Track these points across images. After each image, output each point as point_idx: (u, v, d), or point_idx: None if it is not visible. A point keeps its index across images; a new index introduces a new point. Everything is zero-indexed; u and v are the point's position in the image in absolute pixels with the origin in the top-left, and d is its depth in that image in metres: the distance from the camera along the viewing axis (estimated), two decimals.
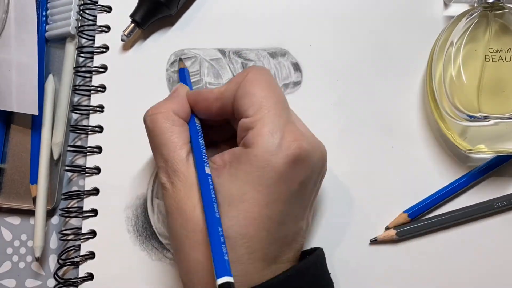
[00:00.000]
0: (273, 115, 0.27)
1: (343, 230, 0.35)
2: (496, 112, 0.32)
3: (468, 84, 0.33)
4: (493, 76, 0.33)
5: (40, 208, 0.36)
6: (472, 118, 0.33)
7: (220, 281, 0.22)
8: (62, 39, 0.39)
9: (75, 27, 0.38)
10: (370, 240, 0.35)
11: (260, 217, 0.25)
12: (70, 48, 0.38)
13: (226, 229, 0.25)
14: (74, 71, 0.38)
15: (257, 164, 0.25)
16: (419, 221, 0.35)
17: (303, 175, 0.27)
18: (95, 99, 0.38)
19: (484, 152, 0.34)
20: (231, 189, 0.26)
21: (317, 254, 0.29)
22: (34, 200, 0.37)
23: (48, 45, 0.39)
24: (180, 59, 0.37)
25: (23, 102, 0.35)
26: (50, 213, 0.38)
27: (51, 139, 0.37)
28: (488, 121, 0.32)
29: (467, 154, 0.35)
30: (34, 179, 0.37)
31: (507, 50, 0.33)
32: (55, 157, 0.37)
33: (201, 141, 0.29)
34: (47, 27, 0.39)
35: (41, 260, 0.37)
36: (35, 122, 0.38)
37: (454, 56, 0.33)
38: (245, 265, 0.25)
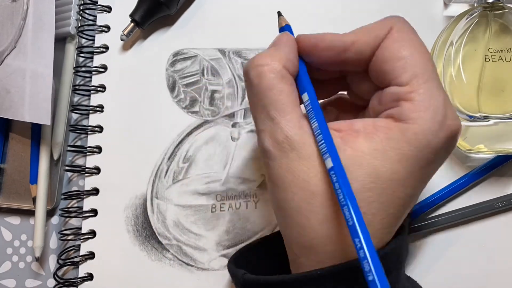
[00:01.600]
0: (434, 87, 0.23)
1: None
2: (496, 112, 0.32)
3: (468, 84, 0.33)
4: (493, 76, 0.33)
5: (40, 208, 0.36)
6: (471, 118, 0.32)
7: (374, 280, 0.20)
8: (62, 39, 0.39)
9: (75, 27, 0.38)
10: None
11: (404, 197, 0.23)
12: (70, 48, 0.39)
13: (364, 205, 0.23)
14: (74, 71, 0.38)
15: (416, 144, 0.23)
16: (420, 221, 0.35)
17: (449, 155, 0.25)
18: (95, 99, 0.38)
19: (484, 152, 0.34)
20: (375, 164, 0.23)
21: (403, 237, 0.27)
22: (34, 200, 0.37)
23: None
24: (280, 14, 0.31)
25: (36, 112, 0.34)
26: (50, 213, 0.38)
27: (51, 139, 0.37)
28: (488, 121, 0.32)
29: (466, 154, 0.35)
30: (34, 179, 0.37)
31: (507, 50, 0.33)
32: (55, 157, 0.37)
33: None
34: None
35: (41, 260, 0.37)
36: (36, 126, 0.38)
37: (454, 56, 0.33)
38: (377, 239, 0.24)
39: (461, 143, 0.34)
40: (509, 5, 0.34)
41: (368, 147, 0.23)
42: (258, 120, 0.25)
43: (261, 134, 0.25)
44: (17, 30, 0.34)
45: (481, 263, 0.35)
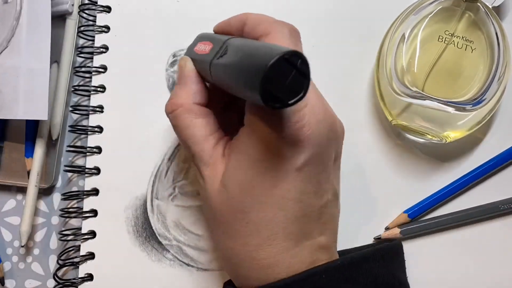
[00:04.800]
0: None
1: (344, 230, 0.35)
2: (438, 95, 0.32)
3: (420, 64, 0.33)
4: (452, 62, 0.33)
5: (31, 194, 0.36)
6: (411, 93, 0.32)
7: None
8: (60, 17, 0.38)
9: (72, 5, 0.38)
10: (374, 238, 0.35)
11: (273, 199, 0.25)
12: (70, 28, 0.38)
13: (246, 216, 0.25)
14: (74, 70, 0.38)
15: (259, 145, 0.25)
16: (423, 221, 0.35)
17: (311, 149, 0.26)
18: (95, 100, 0.38)
19: (406, 128, 0.34)
20: (238, 175, 0.26)
21: (381, 248, 0.29)
22: (29, 173, 0.37)
23: None
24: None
25: (32, 108, 0.35)
26: (47, 192, 0.38)
27: (50, 119, 0.37)
28: (424, 100, 0.32)
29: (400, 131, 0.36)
30: (29, 153, 0.37)
31: (471, 42, 0.33)
32: (54, 137, 0.37)
33: None
34: None
35: (41, 260, 0.37)
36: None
37: (410, 42, 0.34)
38: (271, 247, 0.26)
39: (391, 112, 0.34)
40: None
41: (233, 158, 0.26)
42: (186, 152, 0.29)
43: (192, 163, 0.29)
44: (9, 31, 0.35)
45: (484, 263, 0.35)
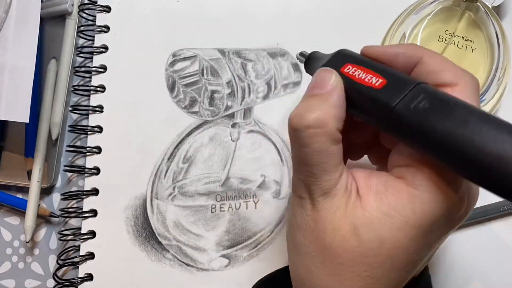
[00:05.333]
0: None
1: None
2: None
3: None
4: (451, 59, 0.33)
5: (34, 186, 0.36)
6: None
7: None
8: (60, 16, 0.38)
9: (72, 4, 0.38)
10: None
11: (408, 263, 0.24)
12: (70, 27, 0.38)
13: (369, 269, 0.23)
14: (77, 52, 0.38)
15: (421, 214, 0.22)
16: None
17: (460, 223, 0.25)
18: (95, 100, 0.38)
19: None
20: (381, 229, 0.23)
21: (425, 281, 0.28)
22: (28, 173, 0.37)
23: (46, 24, 0.38)
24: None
25: (13, 108, 0.33)
26: (47, 191, 0.38)
27: (50, 118, 0.37)
28: None
29: None
30: (29, 153, 0.37)
31: (471, 41, 0.33)
32: (54, 137, 0.37)
33: None
34: (42, 4, 0.37)
35: (40, 260, 0.37)
36: (33, 101, 0.37)
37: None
38: None
39: None
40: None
41: (376, 209, 0.23)
42: (300, 173, 0.25)
43: (297, 181, 0.25)
44: None
45: (483, 265, 0.35)
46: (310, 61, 0.29)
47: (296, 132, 0.24)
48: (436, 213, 0.22)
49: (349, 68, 0.25)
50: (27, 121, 0.34)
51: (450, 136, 0.20)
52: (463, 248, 0.35)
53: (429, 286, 0.28)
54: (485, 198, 0.35)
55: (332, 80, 0.25)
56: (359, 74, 0.24)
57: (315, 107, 0.24)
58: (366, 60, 0.25)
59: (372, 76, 0.24)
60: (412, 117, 0.21)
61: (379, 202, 0.23)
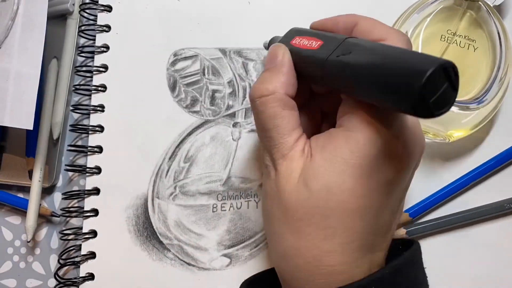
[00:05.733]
0: None
1: None
2: None
3: None
4: (453, 60, 0.33)
5: (35, 185, 0.36)
6: None
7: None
8: (61, 16, 0.38)
9: (73, 4, 0.38)
10: None
11: (358, 208, 0.24)
12: (71, 27, 0.38)
13: (326, 220, 0.25)
14: (78, 52, 0.38)
15: (357, 152, 0.24)
16: (429, 221, 0.35)
17: (405, 166, 0.25)
18: (96, 99, 0.38)
19: None
20: (327, 177, 0.24)
21: (414, 249, 0.28)
22: (29, 172, 0.37)
23: (47, 24, 0.38)
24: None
25: (18, 115, 0.34)
26: (48, 191, 0.38)
27: (51, 118, 0.37)
28: None
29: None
30: (30, 152, 0.37)
31: (473, 40, 0.33)
32: (55, 136, 0.37)
33: None
34: None
35: (41, 260, 0.37)
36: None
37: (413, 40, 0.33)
38: (342, 255, 0.25)
39: None
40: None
41: (320, 158, 0.25)
42: (262, 140, 0.28)
43: (263, 151, 0.28)
44: (4, 31, 0.34)
45: (490, 264, 0.35)
46: (271, 43, 0.33)
47: (253, 102, 0.27)
48: (372, 151, 0.24)
49: (297, 39, 0.29)
50: (31, 128, 0.34)
51: (363, 69, 0.23)
52: (468, 246, 0.35)
53: (417, 254, 0.28)
54: (487, 196, 0.35)
55: (280, 53, 0.28)
56: (303, 42, 0.28)
57: (267, 78, 0.27)
58: (310, 31, 0.30)
59: (312, 41, 0.27)
60: (338, 65, 0.25)
61: (322, 152, 0.25)
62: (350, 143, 0.24)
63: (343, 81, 0.25)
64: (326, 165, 0.25)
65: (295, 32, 0.30)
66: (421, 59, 0.21)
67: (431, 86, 0.20)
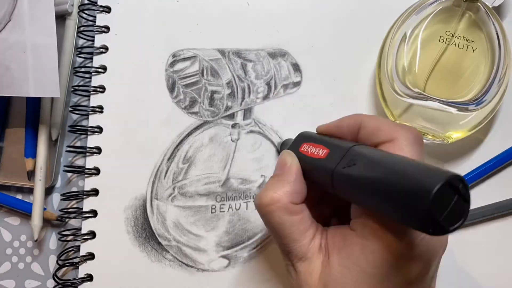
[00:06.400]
0: None
1: None
2: (440, 96, 0.32)
3: (422, 64, 0.33)
4: (452, 61, 0.33)
5: (38, 186, 0.36)
6: (412, 94, 0.32)
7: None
8: (60, 17, 0.38)
9: (72, 5, 0.38)
10: None
11: None
12: (70, 28, 0.38)
13: None
14: (74, 70, 0.38)
15: (374, 262, 0.24)
16: None
17: (424, 265, 0.25)
18: (95, 100, 0.38)
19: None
20: (344, 284, 0.24)
21: None
22: (28, 173, 0.37)
23: None
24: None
25: (42, 86, 0.33)
26: (47, 192, 0.38)
27: (50, 118, 0.37)
28: (426, 101, 0.32)
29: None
30: (28, 153, 0.37)
31: (472, 41, 0.33)
32: (53, 137, 0.37)
33: None
34: None
35: (40, 260, 0.37)
36: (32, 101, 0.38)
37: (411, 43, 0.33)
38: None
39: (393, 112, 0.34)
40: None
41: (338, 263, 0.25)
42: (277, 244, 0.28)
43: (280, 251, 0.28)
44: (11, 2, 0.33)
45: (490, 264, 0.35)
46: (282, 147, 0.34)
47: (259, 210, 0.28)
48: (388, 260, 0.24)
49: (305, 146, 0.29)
50: (59, 95, 0.34)
51: (370, 184, 0.22)
52: (475, 245, 0.35)
53: None
54: (486, 197, 0.35)
55: (288, 161, 0.28)
56: (310, 150, 0.28)
57: (272, 186, 0.27)
58: (317, 137, 0.29)
59: (319, 149, 0.27)
60: (345, 177, 0.24)
61: (339, 257, 0.25)
62: (365, 253, 0.24)
63: (350, 193, 0.25)
64: (344, 272, 0.25)
65: (303, 138, 0.30)
66: (427, 173, 0.20)
67: (440, 202, 0.19)
